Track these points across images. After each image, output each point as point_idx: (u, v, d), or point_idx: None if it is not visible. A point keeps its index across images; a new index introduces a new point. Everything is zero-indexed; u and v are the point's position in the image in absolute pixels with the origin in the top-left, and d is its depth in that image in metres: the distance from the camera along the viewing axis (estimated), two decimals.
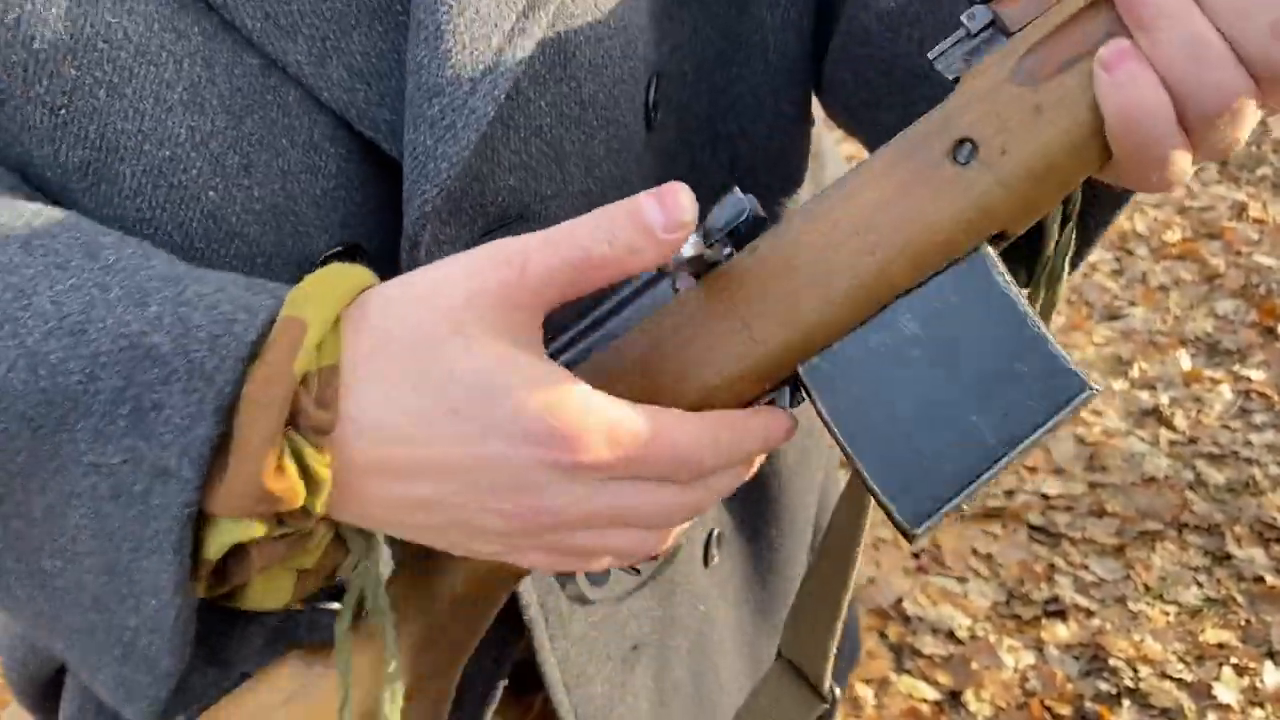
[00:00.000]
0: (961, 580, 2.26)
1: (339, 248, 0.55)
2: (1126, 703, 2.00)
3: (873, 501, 0.54)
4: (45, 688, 0.68)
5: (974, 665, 2.07)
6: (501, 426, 0.45)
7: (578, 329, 0.55)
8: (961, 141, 0.49)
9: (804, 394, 0.52)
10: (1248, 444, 2.57)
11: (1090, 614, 2.18)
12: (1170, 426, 2.62)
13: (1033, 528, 2.37)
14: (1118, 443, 2.58)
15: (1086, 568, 2.28)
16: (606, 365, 0.52)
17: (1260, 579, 2.22)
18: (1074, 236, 0.58)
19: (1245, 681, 2.02)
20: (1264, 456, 2.53)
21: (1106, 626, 2.15)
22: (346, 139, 0.55)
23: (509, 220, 0.58)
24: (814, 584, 0.64)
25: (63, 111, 0.50)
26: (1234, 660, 2.06)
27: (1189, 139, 0.48)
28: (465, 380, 0.45)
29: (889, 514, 0.50)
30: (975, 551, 2.31)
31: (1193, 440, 2.58)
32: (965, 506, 0.52)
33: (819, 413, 0.51)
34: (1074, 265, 0.59)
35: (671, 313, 0.52)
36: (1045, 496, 2.44)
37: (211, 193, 0.52)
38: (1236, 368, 2.79)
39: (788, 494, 0.81)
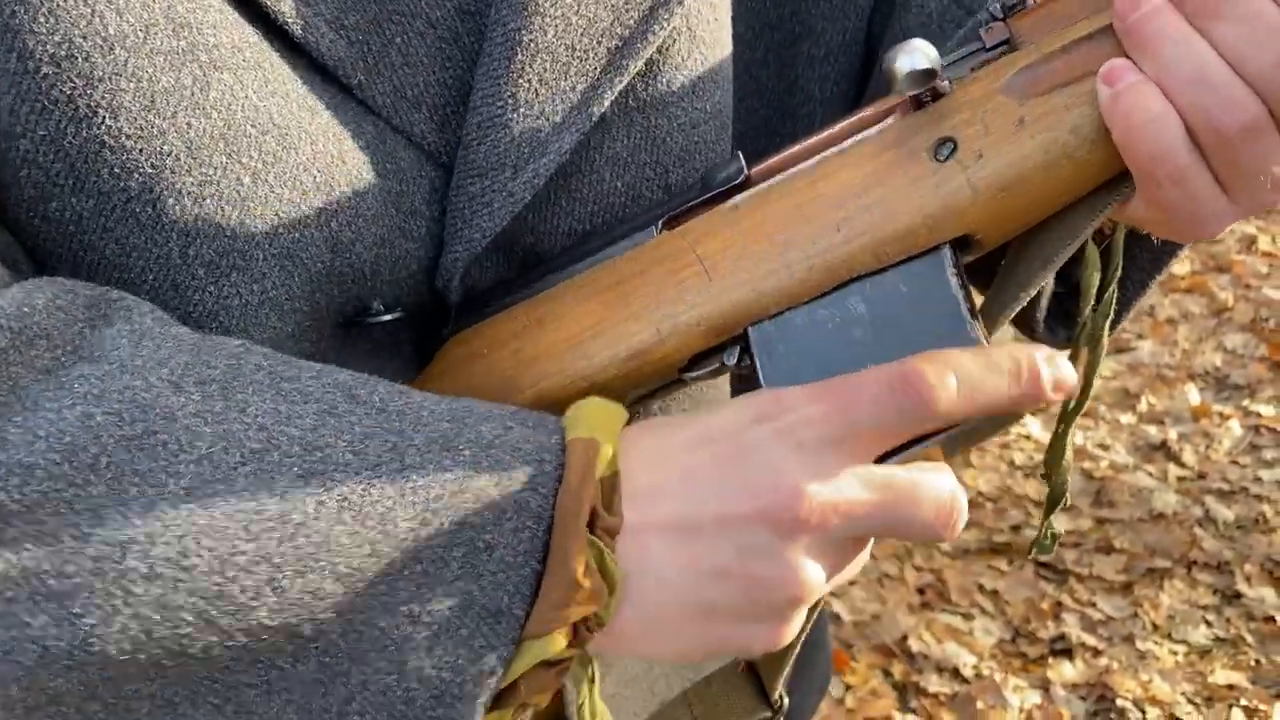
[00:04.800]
0: (967, 617, 2.23)
1: (397, 314, 0.55)
2: None
3: None
4: None
5: (979, 705, 2.03)
6: (753, 483, 0.47)
7: (568, 255, 0.57)
8: (944, 140, 0.51)
9: (748, 355, 0.53)
10: (1257, 480, 2.54)
11: (1098, 653, 2.14)
12: (1179, 462, 2.59)
13: (1039, 564, 2.34)
14: (1125, 478, 2.55)
15: (1094, 605, 2.24)
16: (575, 291, 0.55)
17: (1270, 619, 2.19)
18: (1114, 299, 0.59)
19: None
20: (1274, 493, 2.49)
21: (1114, 666, 2.11)
22: (441, 202, 0.56)
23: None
24: None
25: (209, 200, 0.48)
26: (1244, 702, 2.03)
27: (1209, 163, 0.48)
28: (724, 442, 0.48)
29: None
30: (981, 588, 2.28)
31: (1201, 476, 2.55)
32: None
33: (754, 374, 0.53)
34: (1113, 327, 0.59)
35: (645, 253, 0.54)
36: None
37: (319, 264, 0.52)
38: (1246, 402, 2.76)
39: None
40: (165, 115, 0.46)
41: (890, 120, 0.52)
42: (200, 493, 0.42)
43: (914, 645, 2.16)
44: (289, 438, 0.44)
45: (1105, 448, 2.63)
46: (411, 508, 0.44)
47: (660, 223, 0.55)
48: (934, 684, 2.08)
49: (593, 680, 0.50)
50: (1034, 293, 0.54)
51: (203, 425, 0.43)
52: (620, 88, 0.56)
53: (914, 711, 2.05)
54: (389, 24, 0.54)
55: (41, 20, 0.45)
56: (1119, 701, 2.04)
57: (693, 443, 0.48)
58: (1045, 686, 2.08)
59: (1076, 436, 2.53)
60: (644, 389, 0.56)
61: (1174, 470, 2.56)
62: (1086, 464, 2.58)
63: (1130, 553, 2.36)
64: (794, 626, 0.49)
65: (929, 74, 0.49)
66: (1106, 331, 0.58)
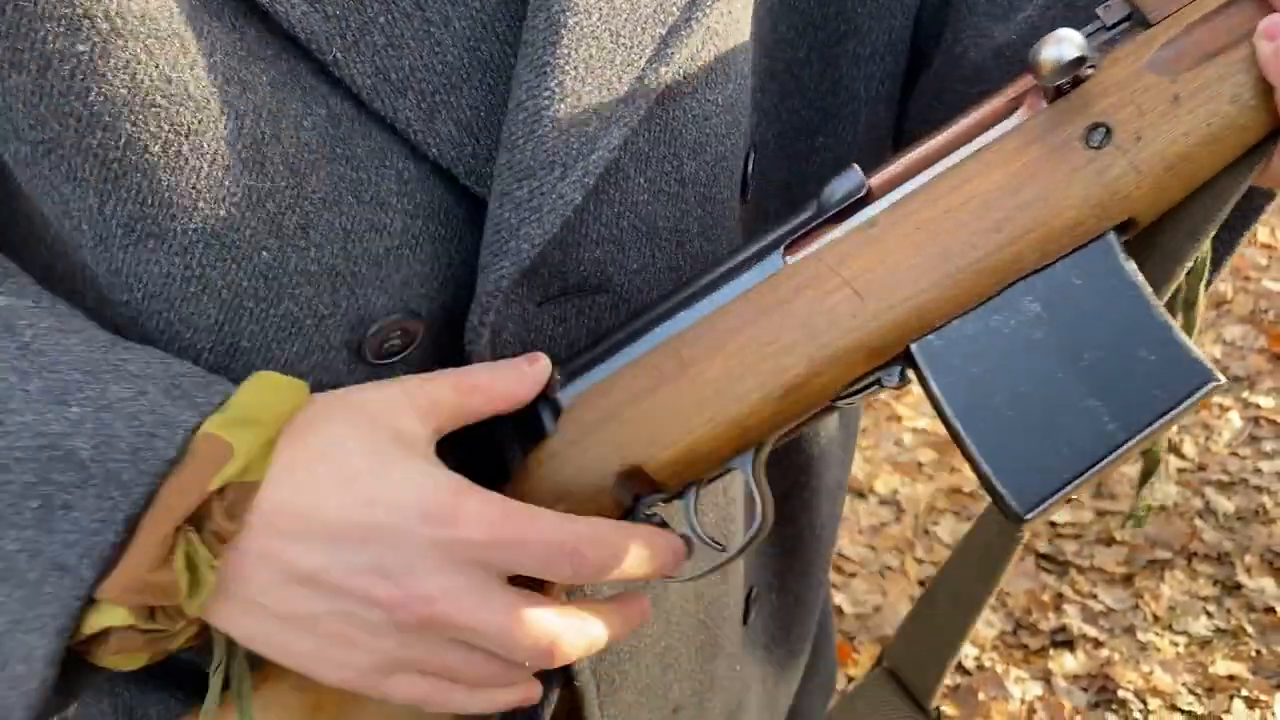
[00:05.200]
0: None
1: (395, 315, 0.54)
2: None
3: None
4: None
5: (981, 696, 2.04)
6: (389, 496, 0.48)
7: (679, 297, 0.54)
8: (1095, 126, 0.49)
9: (913, 372, 0.51)
10: (1257, 471, 2.55)
11: (1099, 644, 2.15)
12: (1179, 454, 2.59)
13: (1040, 556, 2.35)
14: (1126, 470, 2.55)
15: (1095, 597, 2.25)
16: (708, 334, 0.52)
17: (1271, 609, 2.19)
18: (1208, 259, 0.57)
19: (1257, 715, 1.99)
20: (1274, 484, 2.50)
21: (1115, 657, 2.12)
22: (416, 194, 0.53)
23: (587, 290, 0.57)
24: (942, 597, 0.63)
25: (114, 165, 0.49)
26: (1245, 692, 2.03)
27: None
28: (363, 465, 0.49)
29: (998, 498, 0.50)
30: None
31: (1201, 467, 2.56)
32: (1075, 496, 0.51)
33: (929, 391, 0.51)
34: (1206, 288, 0.58)
35: (780, 283, 0.52)
36: (1053, 524, 2.41)
37: (265, 253, 0.51)
38: (1245, 394, 2.77)
39: (821, 550, 0.80)
40: (63, 77, 0.47)
41: (1023, 114, 0.51)
42: None
43: None
44: None
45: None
46: None
47: (782, 249, 0.52)
48: None
49: (220, 665, 0.52)
50: (1189, 265, 0.53)
51: None
52: (667, 79, 0.54)
53: None
54: (371, 2, 0.51)
55: None
56: (1120, 692, 2.05)
57: (357, 504, 0.48)
58: (1047, 678, 2.09)
59: None
60: (796, 422, 0.54)
61: (1174, 462, 2.57)
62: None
63: (1131, 544, 2.36)
64: (372, 680, 0.50)
65: (1078, 62, 0.48)
66: (1201, 293, 0.57)
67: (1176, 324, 0.49)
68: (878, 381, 0.52)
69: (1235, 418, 2.69)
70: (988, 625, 2.19)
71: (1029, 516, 0.49)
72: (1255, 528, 2.40)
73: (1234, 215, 0.59)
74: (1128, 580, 2.29)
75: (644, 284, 0.58)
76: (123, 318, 0.52)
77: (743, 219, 0.64)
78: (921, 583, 2.30)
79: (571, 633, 0.51)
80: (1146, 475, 0.60)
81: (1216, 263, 0.60)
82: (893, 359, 0.51)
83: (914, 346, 0.51)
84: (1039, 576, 2.30)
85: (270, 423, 0.48)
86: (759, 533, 0.56)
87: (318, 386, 0.52)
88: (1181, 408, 0.48)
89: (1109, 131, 0.49)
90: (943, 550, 2.38)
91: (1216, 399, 2.75)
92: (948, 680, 2.23)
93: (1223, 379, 0.49)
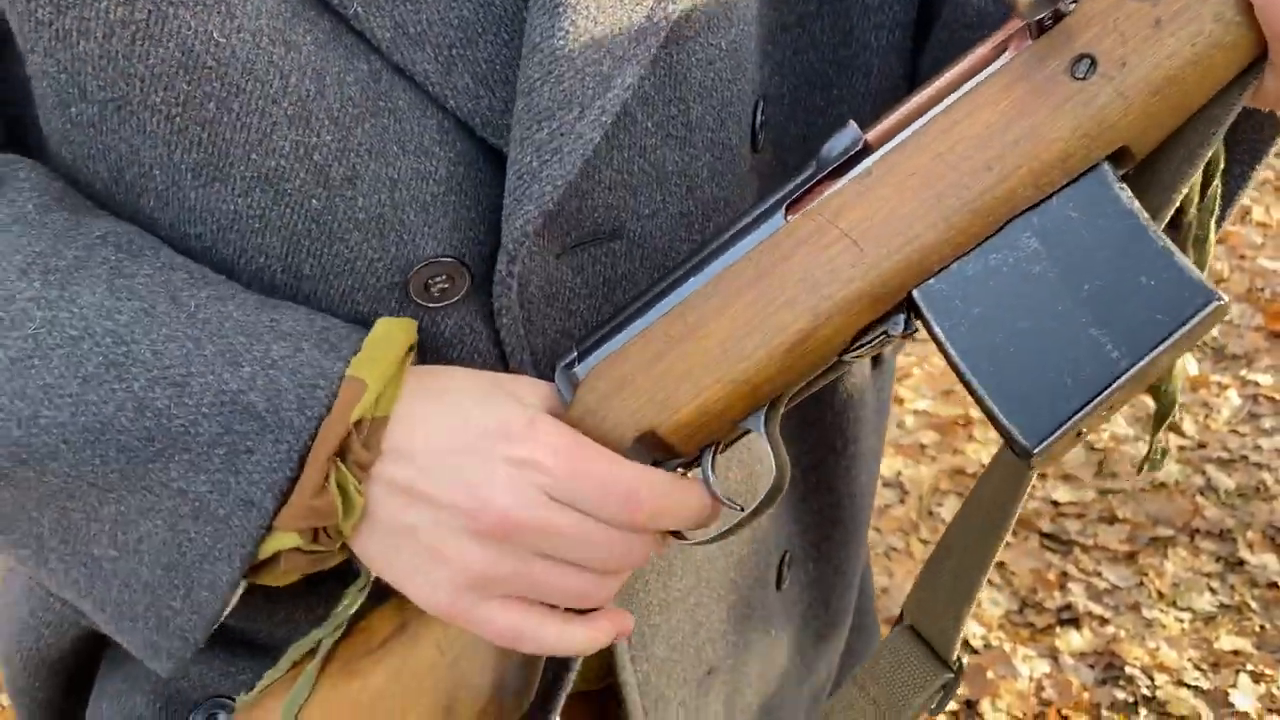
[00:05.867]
0: None
1: (445, 258, 0.57)
2: (1144, 711, 1.99)
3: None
4: (56, 665, 0.70)
5: (989, 675, 2.06)
6: (480, 418, 0.54)
7: (690, 263, 0.55)
8: (1080, 58, 0.49)
9: (917, 319, 0.52)
10: (1257, 448, 2.57)
11: (1104, 621, 2.16)
12: (1179, 432, 2.61)
13: (1044, 535, 2.36)
14: (1127, 448, 2.57)
15: (1099, 575, 2.27)
16: (715, 294, 0.53)
17: (1274, 584, 2.21)
18: (1219, 194, 0.57)
19: (1262, 688, 2.01)
20: (1273, 461, 2.52)
21: (1121, 634, 2.13)
22: (456, 143, 0.56)
23: (602, 237, 0.59)
24: (955, 550, 0.63)
25: (177, 119, 0.54)
26: (1250, 667, 2.05)
27: None
28: (470, 398, 0.55)
29: (1007, 434, 0.50)
30: None
31: (1202, 445, 2.57)
32: (1084, 429, 0.51)
33: (933, 334, 0.51)
34: (1218, 225, 0.58)
35: (781, 241, 0.53)
36: (1055, 503, 2.43)
37: (314, 201, 0.55)
38: (1244, 372, 2.78)
39: (859, 517, 0.81)
40: (124, 41, 0.52)
41: (1010, 53, 0.51)
42: (21, 364, 0.52)
43: None
44: (103, 330, 0.53)
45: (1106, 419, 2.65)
46: (184, 408, 0.52)
47: (784, 209, 0.53)
48: None
49: (366, 585, 0.58)
50: (1185, 191, 0.53)
51: (35, 309, 0.53)
52: (676, 15, 0.55)
53: None
54: None
55: None
56: (1127, 669, 2.06)
57: (449, 428, 0.54)
58: (1054, 656, 2.10)
59: None
60: (804, 380, 0.54)
61: (1174, 440, 2.58)
62: (1088, 435, 2.60)
63: (1133, 522, 2.38)
64: (462, 603, 0.54)
65: None
66: (1213, 230, 0.57)
67: (1178, 251, 0.49)
68: (885, 332, 0.53)
69: (1234, 395, 2.71)
70: (994, 604, 2.20)
71: (1038, 450, 0.49)
72: (1256, 504, 2.41)
73: (1244, 148, 0.60)
74: (1131, 558, 2.30)
75: (656, 229, 0.60)
76: (197, 248, 0.57)
77: (761, 173, 0.65)
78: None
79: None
80: (1162, 418, 0.60)
81: (1228, 198, 0.60)
82: (895, 307, 0.52)
83: (915, 292, 0.51)
84: (1043, 555, 2.31)
85: (390, 359, 0.54)
86: (776, 489, 0.57)
87: (372, 318, 0.57)
88: (1185, 329, 0.48)
89: (1094, 62, 0.49)
90: None
91: (1215, 377, 2.77)
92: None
93: (1225, 298, 0.49)
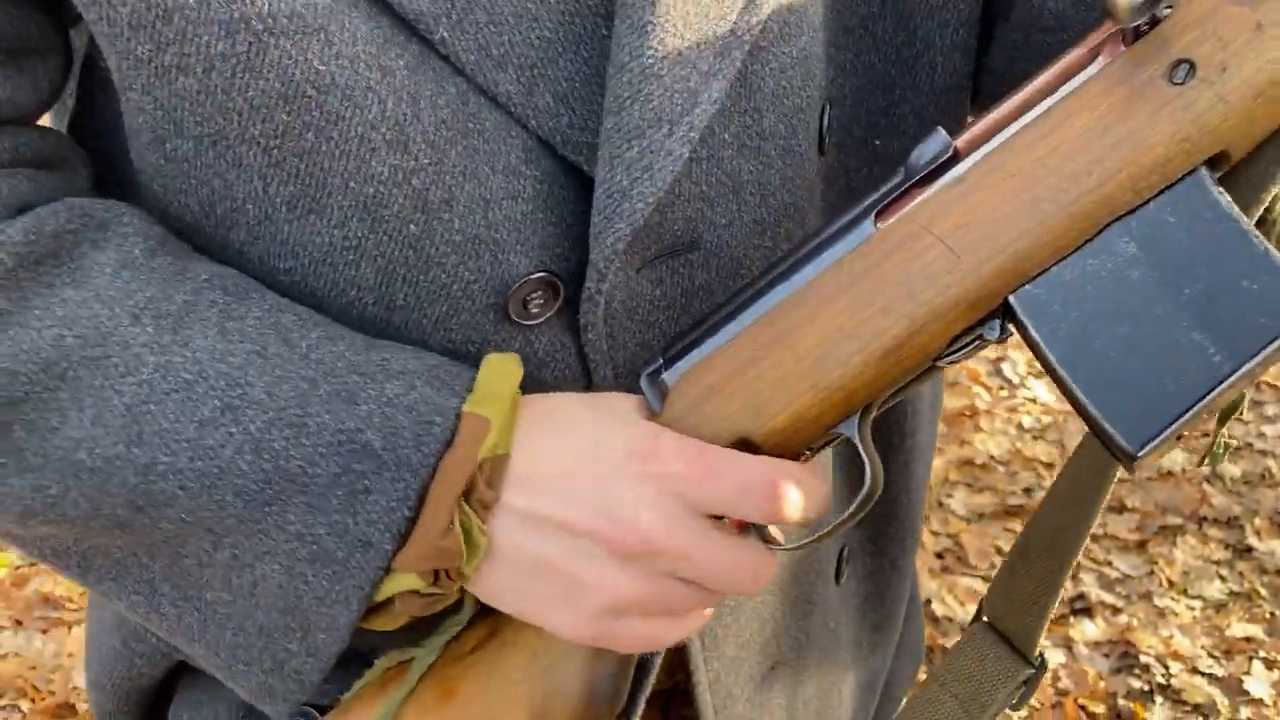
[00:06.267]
0: (987, 579, 2.25)
1: (541, 273, 0.57)
2: (1159, 699, 2.00)
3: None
4: (146, 692, 0.70)
5: None
6: (601, 441, 0.54)
7: (775, 270, 0.55)
8: (1178, 63, 0.49)
9: (1013, 324, 0.51)
10: (1261, 436, 2.59)
11: (1117, 610, 2.18)
12: None
13: None
14: None
15: (1110, 564, 2.28)
16: (805, 302, 0.53)
17: None
18: None
19: (1276, 675, 2.03)
20: (1278, 448, 2.54)
21: (1134, 623, 2.15)
22: (541, 161, 0.56)
23: (680, 249, 0.59)
24: (1036, 546, 0.64)
25: (274, 151, 0.53)
26: (1263, 654, 2.07)
27: None
28: (584, 420, 0.55)
29: (1108, 440, 0.50)
30: (999, 550, 2.31)
31: (1206, 434, 2.59)
32: (1185, 432, 0.51)
33: (1030, 340, 0.51)
34: None
35: (873, 248, 0.52)
36: None
37: (412, 226, 0.55)
38: None
39: (914, 511, 0.81)
40: (225, 75, 0.51)
41: (1104, 60, 0.51)
42: (136, 410, 0.52)
43: (938, 609, 2.18)
44: (217, 373, 0.53)
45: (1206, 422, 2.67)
46: (302, 449, 0.52)
47: (873, 216, 0.53)
48: None
49: (468, 618, 0.58)
50: (1274, 191, 0.52)
51: (149, 354, 0.52)
52: (757, 29, 0.55)
53: None
54: None
55: None
56: (1142, 658, 2.08)
57: (578, 455, 0.53)
58: (1069, 645, 2.11)
59: None
60: (898, 385, 0.54)
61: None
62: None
63: (1142, 511, 2.39)
64: (602, 626, 0.54)
65: (1154, 1, 0.47)
66: None
67: (1275, 252, 0.49)
68: (979, 337, 0.53)
69: None
70: None
71: (1141, 454, 0.49)
72: (1262, 491, 2.43)
73: None
74: (1141, 546, 2.32)
75: (731, 239, 0.60)
76: (285, 283, 0.56)
77: (825, 175, 0.65)
78: (939, 554, 2.32)
79: (767, 562, 0.55)
80: (1229, 413, 0.59)
81: None
82: (991, 312, 0.52)
83: (1012, 297, 0.51)
84: None
85: (507, 395, 0.54)
86: (870, 495, 0.57)
87: (466, 344, 0.57)
88: None
89: (1192, 67, 0.49)
90: (957, 522, 2.41)
91: None
92: None
93: None
